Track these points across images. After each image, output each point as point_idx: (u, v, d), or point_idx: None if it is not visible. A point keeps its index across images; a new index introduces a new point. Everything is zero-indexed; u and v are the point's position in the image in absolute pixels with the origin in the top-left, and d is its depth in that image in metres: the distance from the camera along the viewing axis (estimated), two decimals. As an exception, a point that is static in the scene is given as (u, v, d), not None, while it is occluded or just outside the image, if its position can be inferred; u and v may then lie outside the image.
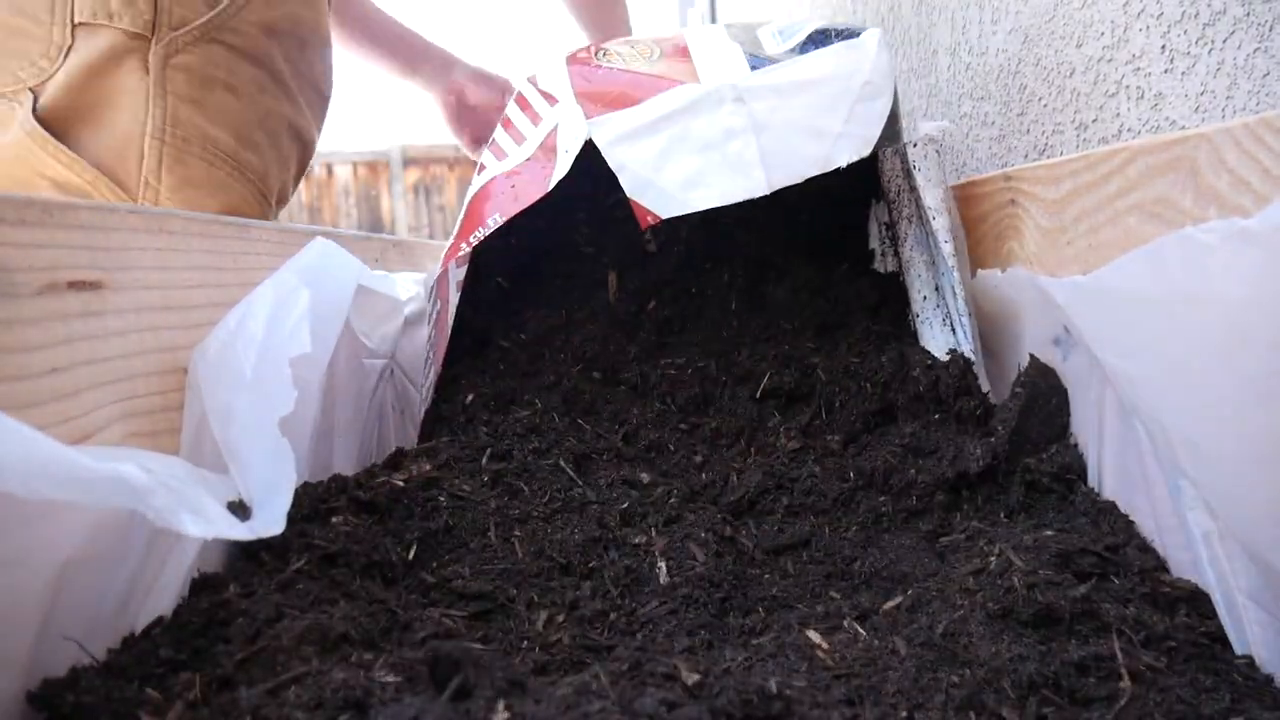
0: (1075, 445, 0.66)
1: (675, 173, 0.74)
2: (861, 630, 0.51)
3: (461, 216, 0.83)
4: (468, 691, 0.39)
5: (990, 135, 1.08)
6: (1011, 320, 0.76)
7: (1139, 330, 0.49)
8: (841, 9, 1.67)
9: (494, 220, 0.78)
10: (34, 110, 0.92)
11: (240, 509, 0.52)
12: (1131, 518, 0.58)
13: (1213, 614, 0.48)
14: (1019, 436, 0.67)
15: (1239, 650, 0.46)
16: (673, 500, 0.68)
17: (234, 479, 0.53)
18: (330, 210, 7.83)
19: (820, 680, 0.44)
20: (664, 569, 0.60)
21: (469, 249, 0.79)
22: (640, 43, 0.91)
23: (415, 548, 0.59)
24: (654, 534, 0.64)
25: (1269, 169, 0.42)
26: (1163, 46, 0.74)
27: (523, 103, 0.88)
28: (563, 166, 0.76)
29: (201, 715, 0.38)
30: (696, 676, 0.42)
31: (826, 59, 0.78)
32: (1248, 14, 0.65)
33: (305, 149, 1.16)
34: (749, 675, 0.44)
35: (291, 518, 0.53)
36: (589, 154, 0.76)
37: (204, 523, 0.44)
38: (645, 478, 0.72)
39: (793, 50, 0.85)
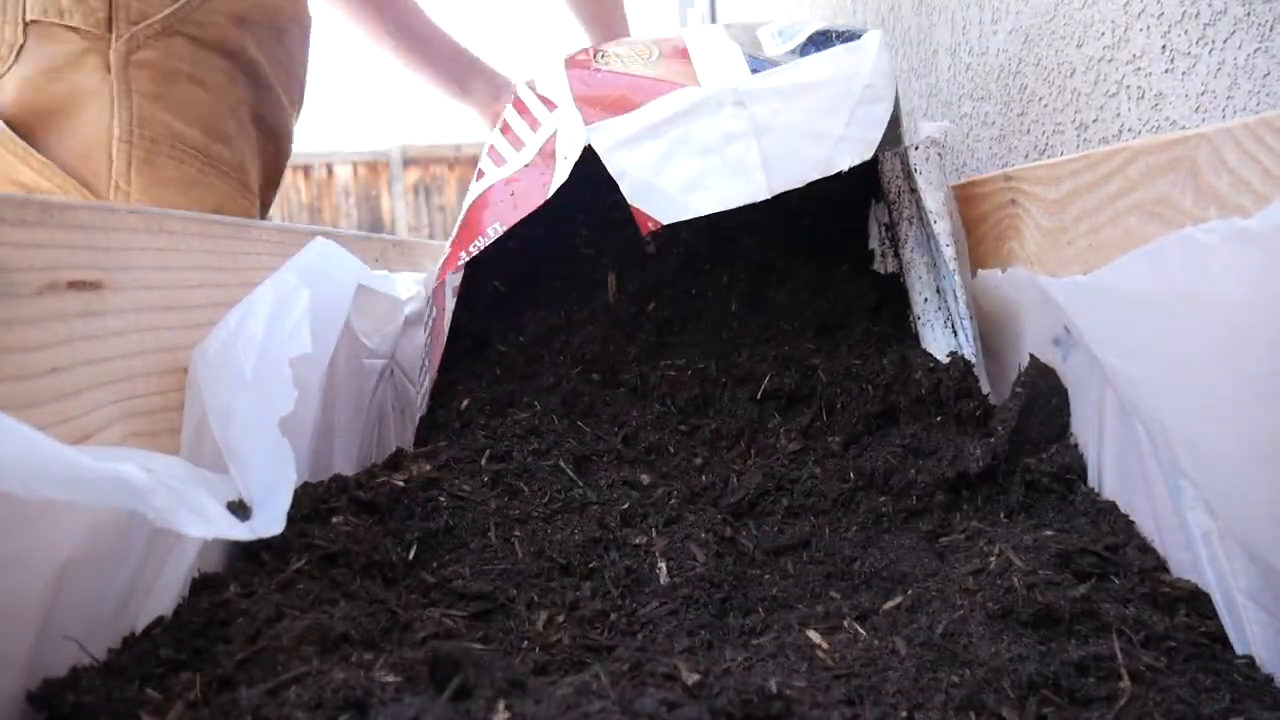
0: (1075, 445, 0.66)
1: (675, 177, 0.74)
2: (861, 630, 0.51)
3: (460, 224, 0.83)
4: (468, 691, 0.39)
5: (990, 135, 1.08)
6: (1011, 320, 0.76)
7: (1139, 330, 0.49)
8: (841, 9, 1.67)
9: (493, 230, 0.77)
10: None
11: (240, 509, 0.52)
12: (1131, 518, 0.58)
13: (1213, 614, 0.48)
14: (1019, 437, 0.67)
15: (1239, 650, 0.46)
16: (673, 501, 0.68)
17: (234, 479, 0.53)
18: (330, 210, 7.83)
19: (820, 680, 0.44)
20: (664, 569, 0.60)
21: (467, 259, 0.78)
22: (639, 43, 0.91)
23: (415, 548, 0.59)
24: (654, 534, 0.64)
25: (1269, 169, 0.42)
26: (1163, 46, 0.74)
27: (520, 107, 0.87)
28: (562, 173, 0.76)
29: (201, 715, 0.38)
30: (696, 676, 0.42)
31: (827, 62, 0.77)
32: (1248, 14, 0.65)
33: (283, 139, 1.14)
34: (749, 675, 0.44)
35: (291, 518, 0.53)
36: (588, 157, 0.76)
37: (204, 523, 0.44)
38: (645, 479, 0.72)
39: (793, 52, 0.84)
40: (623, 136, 0.75)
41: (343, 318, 0.74)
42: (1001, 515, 0.64)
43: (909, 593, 0.55)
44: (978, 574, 0.53)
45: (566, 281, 0.95)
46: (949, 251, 0.77)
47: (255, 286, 0.63)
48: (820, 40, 0.85)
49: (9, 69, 0.91)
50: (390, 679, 0.39)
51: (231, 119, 1.02)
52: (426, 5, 1.37)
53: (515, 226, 0.78)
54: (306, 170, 7.70)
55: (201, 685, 0.39)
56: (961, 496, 0.67)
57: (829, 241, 0.98)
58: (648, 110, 0.77)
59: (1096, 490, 0.62)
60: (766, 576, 0.62)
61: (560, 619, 0.55)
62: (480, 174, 0.86)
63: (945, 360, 0.77)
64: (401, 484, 0.63)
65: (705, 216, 0.74)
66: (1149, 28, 0.76)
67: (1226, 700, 0.41)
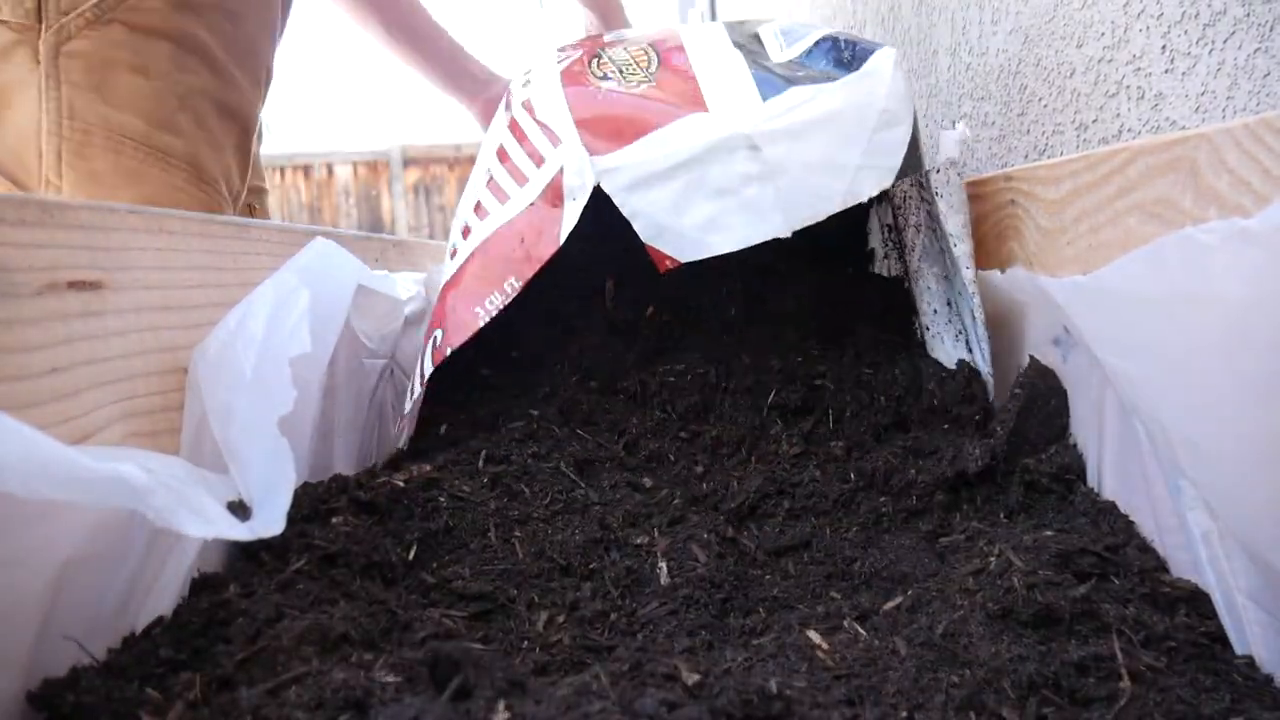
0: (1075, 445, 0.66)
1: (693, 217, 0.72)
2: (862, 630, 0.51)
3: (462, 272, 0.78)
4: (468, 692, 0.39)
5: (990, 135, 1.08)
6: (1011, 320, 0.76)
7: (1139, 330, 0.49)
8: (841, 9, 1.67)
9: (510, 286, 0.74)
10: None
11: (240, 509, 0.52)
12: (1131, 518, 0.58)
13: (1213, 614, 0.48)
14: (1018, 437, 0.67)
15: (1239, 650, 0.46)
16: (676, 501, 0.68)
17: (234, 479, 0.53)
18: (330, 210, 7.83)
19: (820, 680, 0.44)
20: (665, 569, 0.60)
21: (487, 319, 0.74)
22: (635, 44, 0.88)
23: (415, 548, 0.59)
24: (656, 534, 0.64)
25: (1269, 169, 0.42)
26: (1163, 47, 0.74)
27: (519, 134, 0.83)
28: (571, 217, 0.74)
29: (201, 715, 0.38)
30: (697, 677, 0.42)
31: (839, 92, 0.74)
32: (1248, 14, 0.65)
33: (245, 125, 1.09)
34: (749, 675, 0.44)
35: (291, 518, 0.53)
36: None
37: (204, 523, 0.44)
38: (648, 482, 0.71)
39: (799, 58, 0.82)
40: (635, 178, 0.73)
41: (343, 318, 0.74)
42: (1001, 515, 0.64)
43: (909, 593, 0.55)
44: (978, 574, 0.53)
45: (562, 289, 0.93)
46: (968, 275, 0.76)
47: (255, 286, 0.63)
48: (828, 49, 0.82)
49: None
50: (390, 679, 0.39)
51: (182, 108, 0.98)
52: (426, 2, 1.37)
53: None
54: (306, 170, 7.70)
55: (201, 685, 0.39)
56: (961, 497, 0.67)
57: (830, 242, 0.97)
58: (656, 141, 0.74)
59: (1096, 490, 0.62)
60: (767, 577, 0.61)
61: (560, 619, 0.55)
62: (478, 205, 0.82)
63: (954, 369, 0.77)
64: (401, 484, 0.63)
65: None
66: (1149, 28, 0.76)
67: (1226, 700, 0.41)
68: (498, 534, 0.62)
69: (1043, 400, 0.68)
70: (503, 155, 0.83)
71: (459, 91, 1.41)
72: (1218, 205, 0.46)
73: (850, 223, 1.00)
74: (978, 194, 0.82)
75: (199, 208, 1.01)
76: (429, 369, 0.75)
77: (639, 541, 0.63)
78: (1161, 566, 0.53)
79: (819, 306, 0.88)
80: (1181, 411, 0.46)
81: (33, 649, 0.39)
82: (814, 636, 0.50)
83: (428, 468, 0.67)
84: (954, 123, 0.85)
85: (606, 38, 0.96)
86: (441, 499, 0.63)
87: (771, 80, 0.77)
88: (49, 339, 0.47)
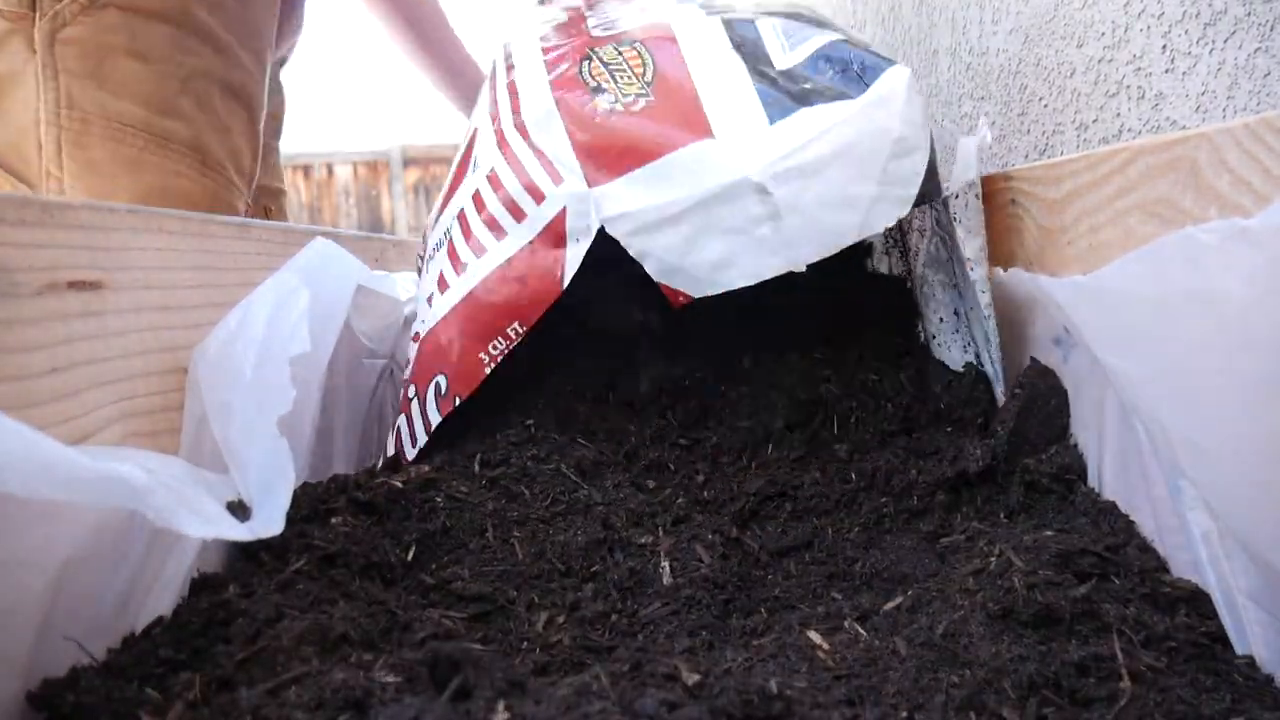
0: (1075, 446, 0.66)
1: (704, 256, 0.70)
2: (862, 631, 0.51)
3: (460, 314, 0.76)
4: (468, 692, 0.39)
5: (990, 135, 1.08)
6: (1012, 320, 0.76)
7: (1139, 330, 0.49)
8: (841, 9, 1.67)
9: (514, 330, 0.73)
10: None
11: (240, 509, 0.52)
12: (1132, 518, 0.58)
13: (1213, 614, 0.48)
14: (1018, 438, 0.67)
15: (1239, 650, 0.46)
16: (679, 501, 0.68)
17: (234, 479, 0.53)
18: (330, 210, 7.83)
19: (821, 681, 0.44)
20: (668, 569, 0.60)
21: (491, 365, 0.73)
22: (626, 44, 0.82)
23: (414, 549, 0.59)
24: (660, 534, 0.64)
25: (1269, 169, 0.42)
26: (1163, 46, 0.74)
27: (512, 159, 0.77)
28: (575, 259, 0.72)
29: (201, 715, 0.38)
30: (697, 677, 0.42)
31: (850, 125, 0.71)
32: (1249, 14, 0.65)
33: (251, 105, 1.06)
34: (749, 675, 0.44)
35: (291, 518, 0.53)
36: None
37: (204, 523, 0.44)
38: (651, 484, 0.71)
39: (803, 66, 0.78)
40: (642, 224, 0.71)
41: (342, 318, 0.74)
42: (1002, 516, 0.64)
43: (910, 593, 0.55)
44: (978, 574, 0.53)
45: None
46: (984, 298, 0.75)
47: (255, 286, 0.63)
48: (835, 59, 0.78)
49: None
50: (390, 679, 0.39)
51: (185, 91, 0.95)
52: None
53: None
54: (306, 170, 7.71)
55: (201, 685, 0.39)
56: (962, 497, 0.67)
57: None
58: (660, 173, 0.71)
59: (1097, 490, 0.62)
60: (770, 577, 0.61)
61: (561, 620, 0.55)
62: (470, 235, 0.77)
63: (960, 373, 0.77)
64: (400, 485, 0.63)
65: None
66: (1149, 28, 0.76)
67: (1227, 700, 0.41)
68: (496, 534, 0.62)
69: (1043, 400, 0.68)
70: (495, 182, 0.78)
71: (455, 92, 1.40)
72: (1218, 205, 0.46)
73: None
74: (978, 194, 0.82)
75: (204, 194, 0.99)
76: (435, 417, 0.73)
77: (643, 541, 0.62)
78: (1162, 566, 0.53)
79: (819, 307, 0.87)
80: (1181, 411, 0.46)
81: (33, 649, 0.39)
82: (815, 637, 0.50)
83: (426, 468, 0.67)
84: (979, 124, 0.81)
85: (591, 22, 0.89)
86: (439, 499, 0.63)
87: (778, 99, 0.74)
88: (49, 339, 0.47)
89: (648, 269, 0.71)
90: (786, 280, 0.90)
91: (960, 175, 0.76)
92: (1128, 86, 0.79)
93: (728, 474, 0.74)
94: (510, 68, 0.86)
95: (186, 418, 0.59)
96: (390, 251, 1.12)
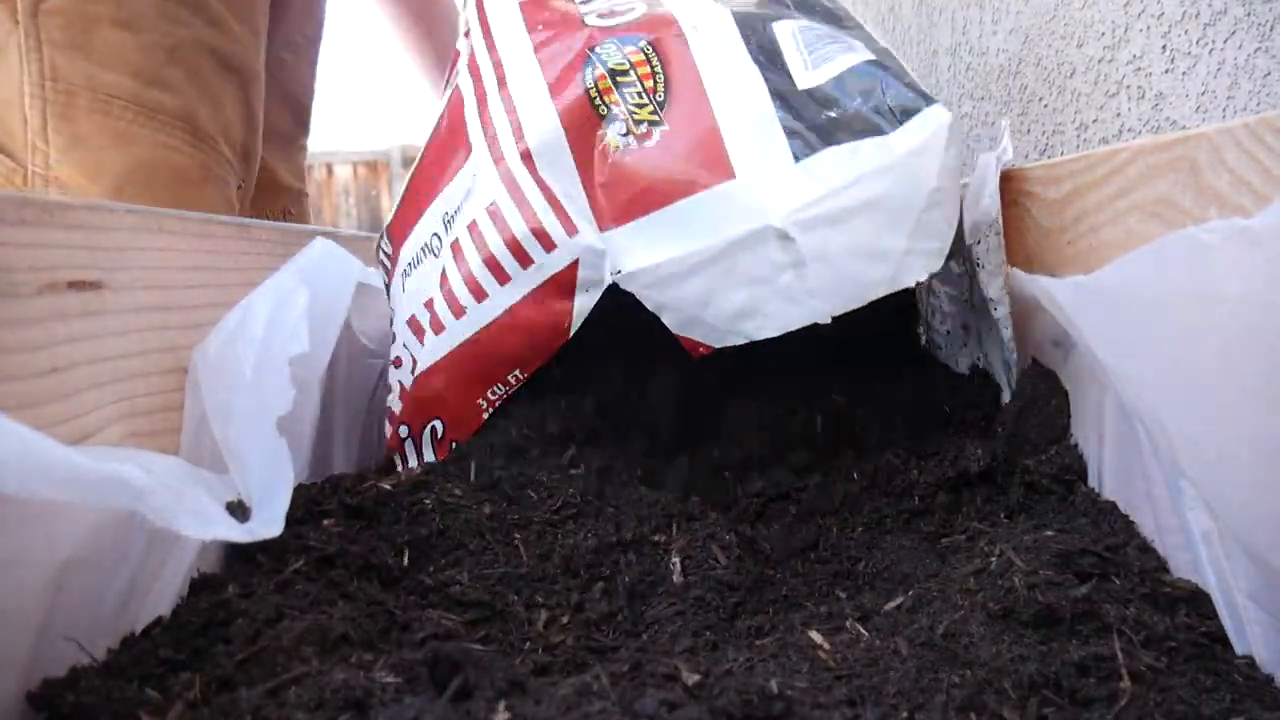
0: (1075, 446, 0.66)
1: (725, 306, 0.67)
2: (863, 630, 0.51)
3: (458, 359, 0.73)
4: (468, 692, 0.39)
5: (990, 135, 1.08)
6: (1012, 321, 0.76)
7: (1139, 330, 0.49)
8: (841, 9, 1.67)
9: (515, 377, 0.71)
10: None
11: (239, 509, 0.52)
12: (1132, 518, 0.58)
13: (1213, 614, 0.48)
14: (1018, 438, 0.67)
15: (1239, 650, 0.46)
16: (686, 505, 0.68)
17: (233, 479, 0.53)
18: (330, 210, 7.83)
19: (821, 681, 0.44)
20: (679, 565, 0.59)
21: (490, 410, 0.72)
22: (630, 41, 0.74)
23: (408, 552, 0.58)
24: (673, 532, 0.64)
25: (1270, 169, 0.42)
26: (1163, 46, 0.74)
27: (517, 195, 0.71)
28: (584, 310, 0.70)
29: (201, 715, 0.38)
30: (697, 677, 0.42)
31: (884, 178, 0.66)
32: (1249, 14, 0.65)
33: (245, 77, 1.03)
34: (750, 675, 0.44)
35: (289, 519, 0.53)
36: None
37: (203, 523, 0.44)
38: (657, 489, 0.71)
39: (828, 86, 0.71)
40: (659, 278, 0.67)
41: (342, 317, 0.74)
42: (1002, 516, 0.64)
43: (910, 593, 0.55)
44: (979, 574, 0.53)
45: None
46: (1007, 334, 0.73)
47: (255, 286, 0.63)
48: (864, 87, 0.71)
49: None
50: (390, 679, 0.39)
51: (173, 62, 0.93)
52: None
53: None
54: (306, 170, 7.70)
55: (201, 685, 0.39)
56: (962, 497, 0.67)
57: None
58: (678, 220, 0.67)
59: (1097, 490, 0.62)
60: (778, 577, 0.62)
61: (564, 620, 0.55)
62: (469, 274, 0.72)
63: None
64: (389, 488, 0.63)
65: None
66: (1149, 28, 0.76)
67: (1227, 700, 0.41)
68: (495, 536, 0.62)
69: (1043, 401, 0.68)
70: (497, 218, 0.72)
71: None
72: (1218, 205, 0.46)
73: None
74: (978, 194, 0.82)
75: (195, 166, 0.97)
76: (431, 458, 0.73)
77: (657, 539, 0.62)
78: (1162, 566, 0.53)
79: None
80: (1181, 411, 0.46)
81: (33, 649, 0.39)
82: (816, 637, 0.50)
83: (417, 471, 0.67)
84: (999, 127, 0.76)
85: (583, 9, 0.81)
86: (428, 501, 0.63)
87: (802, 135, 0.68)
88: (49, 339, 0.47)
89: (665, 321, 0.68)
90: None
91: (975, 202, 0.72)
92: (1128, 86, 0.79)
93: (733, 477, 0.73)
94: (491, 46, 0.79)
95: (186, 418, 0.59)
96: (390, 251, 1.12)
